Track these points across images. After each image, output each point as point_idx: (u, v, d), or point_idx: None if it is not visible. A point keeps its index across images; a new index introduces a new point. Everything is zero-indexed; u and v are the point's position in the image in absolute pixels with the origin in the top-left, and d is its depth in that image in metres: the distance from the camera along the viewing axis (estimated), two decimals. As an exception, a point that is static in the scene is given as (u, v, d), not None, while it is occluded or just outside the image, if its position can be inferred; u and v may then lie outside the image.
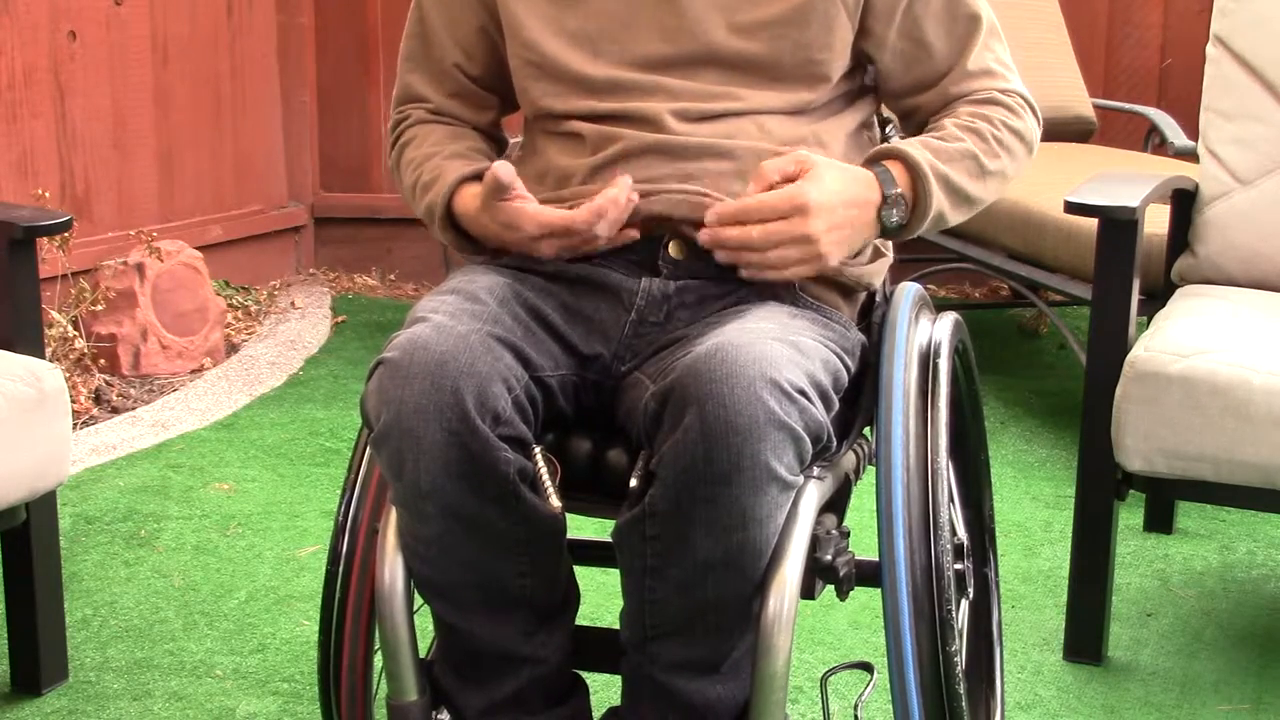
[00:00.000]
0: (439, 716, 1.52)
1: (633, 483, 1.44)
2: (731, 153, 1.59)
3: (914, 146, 1.58)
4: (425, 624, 1.54)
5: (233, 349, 3.91)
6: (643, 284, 1.59)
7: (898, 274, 1.77)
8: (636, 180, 1.58)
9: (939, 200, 1.57)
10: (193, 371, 3.70)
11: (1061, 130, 3.83)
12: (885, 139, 1.79)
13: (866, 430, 1.65)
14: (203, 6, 4.11)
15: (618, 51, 1.62)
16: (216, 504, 2.90)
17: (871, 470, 1.62)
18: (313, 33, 4.48)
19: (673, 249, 1.60)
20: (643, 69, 1.61)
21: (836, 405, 1.48)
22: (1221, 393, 2.09)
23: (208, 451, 3.18)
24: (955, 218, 1.61)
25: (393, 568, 1.49)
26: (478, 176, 1.62)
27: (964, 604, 1.74)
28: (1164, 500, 2.75)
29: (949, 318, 1.71)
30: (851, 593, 1.53)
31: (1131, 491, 2.26)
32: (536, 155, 1.69)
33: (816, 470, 1.46)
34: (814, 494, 1.44)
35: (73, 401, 3.27)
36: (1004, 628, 2.07)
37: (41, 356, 2.11)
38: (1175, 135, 3.68)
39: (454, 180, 1.63)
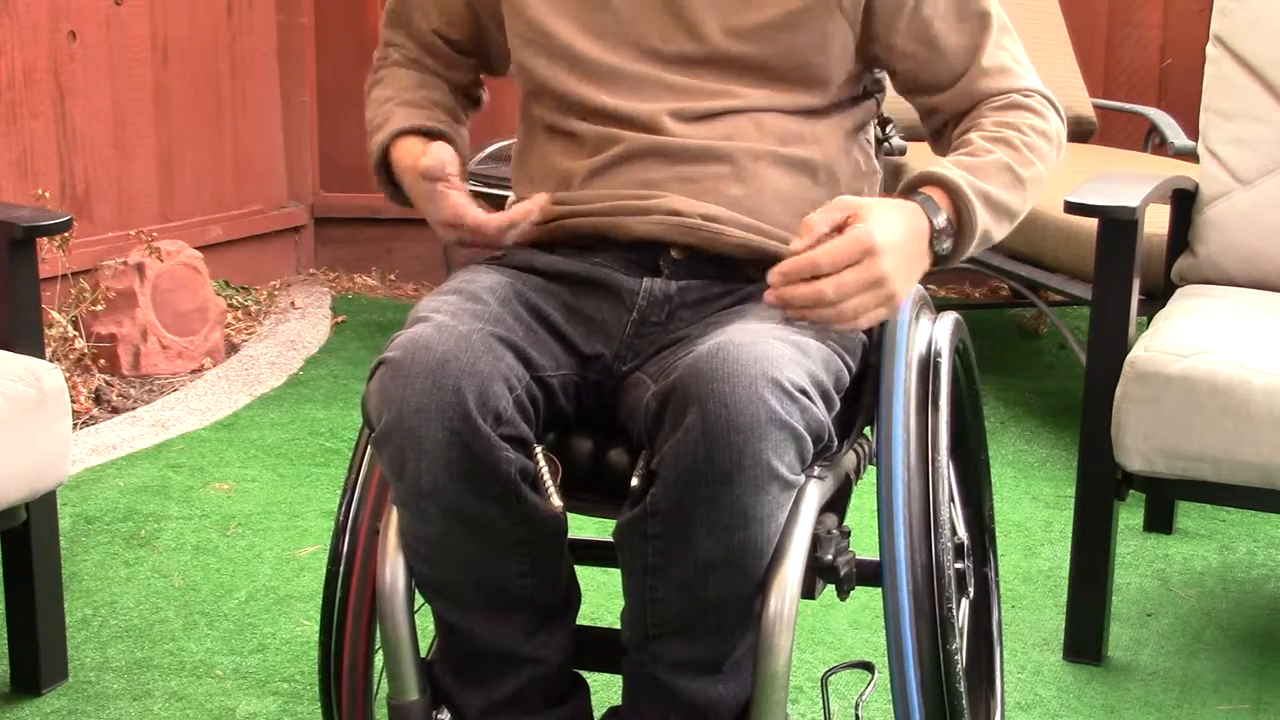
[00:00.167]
0: (439, 716, 1.52)
1: (634, 482, 1.44)
2: (730, 156, 1.59)
3: (948, 168, 1.54)
4: (426, 624, 1.54)
5: (233, 349, 3.91)
6: (644, 284, 1.59)
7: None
8: (636, 183, 1.58)
9: (983, 219, 1.53)
10: (193, 371, 3.70)
11: (1061, 130, 3.82)
12: (885, 138, 1.79)
13: (867, 430, 1.65)
14: (203, 6, 4.11)
15: (619, 40, 1.62)
16: (216, 504, 2.90)
17: (872, 470, 1.62)
18: (313, 33, 4.48)
19: (674, 250, 1.60)
20: (643, 61, 1.61)
21: (838, 405, 1.48)
22: (1221, 393, 2.09)
23: (208, 451, 3.18)
24: (999, 233, 1.57)
25: (393, 567, 1.49)
26: (423, 132, 1.68)
27: (964, 603, 1.74)
28: (1164, 500, 2.75)
29: (949, 317, 1.71)
30: (852, 592, 1.53)
31: (1131, 491, 2.26)
32: (535, 156, 1.69)
33: (817, 470, 1.46)
34: (815, 494, 1.44)
35: (73, 401, 3.27)
36: (1004, 628, 2.07)
37: (41, 356, 2.11)
38: (1175, 135, 3.68)
39: (392, 131, 1.69)
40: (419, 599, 1.52)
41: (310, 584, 2.55)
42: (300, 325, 4.11)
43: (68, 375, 3.37)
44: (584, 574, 1.62)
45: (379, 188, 1.75)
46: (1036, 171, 1.60)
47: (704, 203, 1.58)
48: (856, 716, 1.64)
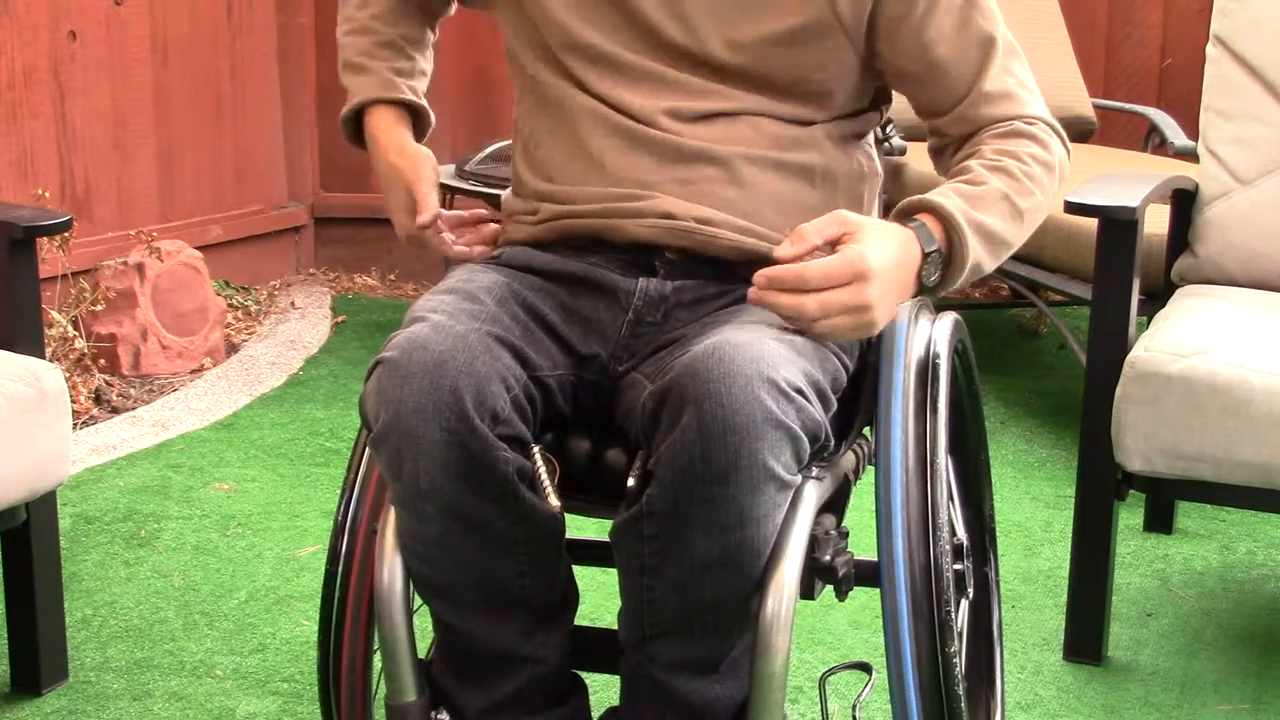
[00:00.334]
0: (438, 716, 1.52)
1: (630, 482, 1.44)
2: (726, 159, 1.58)
3: (945, 196, 1.51)
4: (425, 624, 1.54)
5: (233, 349, 3.91)
6: (640, 284, 1.59)
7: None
8: (631, 182, 1.58)
9: (975, 251, 1.50)
10: (193, 371, 3.70)
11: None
12: (885, 138, 1.79)
13: (866, 430, 1.65)
14: (203, 6, 4.11)
15: (620, 33, 1.60)
16: (216, 504, 2.90)
17: (871, 470, 1.61)
18: (313, 33, 4.48)
19: (669, 251, 1.60)
20: (642, 55, 1.60)
21: (835, 405, 1.48)
22: (1221, 393, 2.09)
23: (208, 451, 3.18)
24: (991, 265, 1.55)
25: (391, 568, 1.49)
26: (399, 103, 1.78)
27: (964, 604, 1.74)
28: (1164, 500, 2.75)
29: (949, 317, 1.71)
30: (851, 593, 1.53)
31: (1131, 491, 2.26)
32: (534, 145, 1.68)
33: (815, 471, 1.46)
34: (812, 495, 1.44)
35: (73, 401, 3.27)
36: (1004, 628, 2.07)
37: (41, 356, 2.11)
38: (1175, 135, 3.68)
39: (369, 99, 1.78)
40: (417, 600, 1.52)
41: (310, 584, 2.55)
42: (300, 325, 4.11)
43: (68, 375, 3.37)
44: (582, 574, 1.62)
45: (341, 131, 1.83)
46: (1035, 202, 1.57)
47: (698, 205, 1.58)
48: (854, 718, 1.64)
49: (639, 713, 1.48)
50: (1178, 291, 2.54)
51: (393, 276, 4.61)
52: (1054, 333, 4.09)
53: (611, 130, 1.60)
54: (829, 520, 1.50)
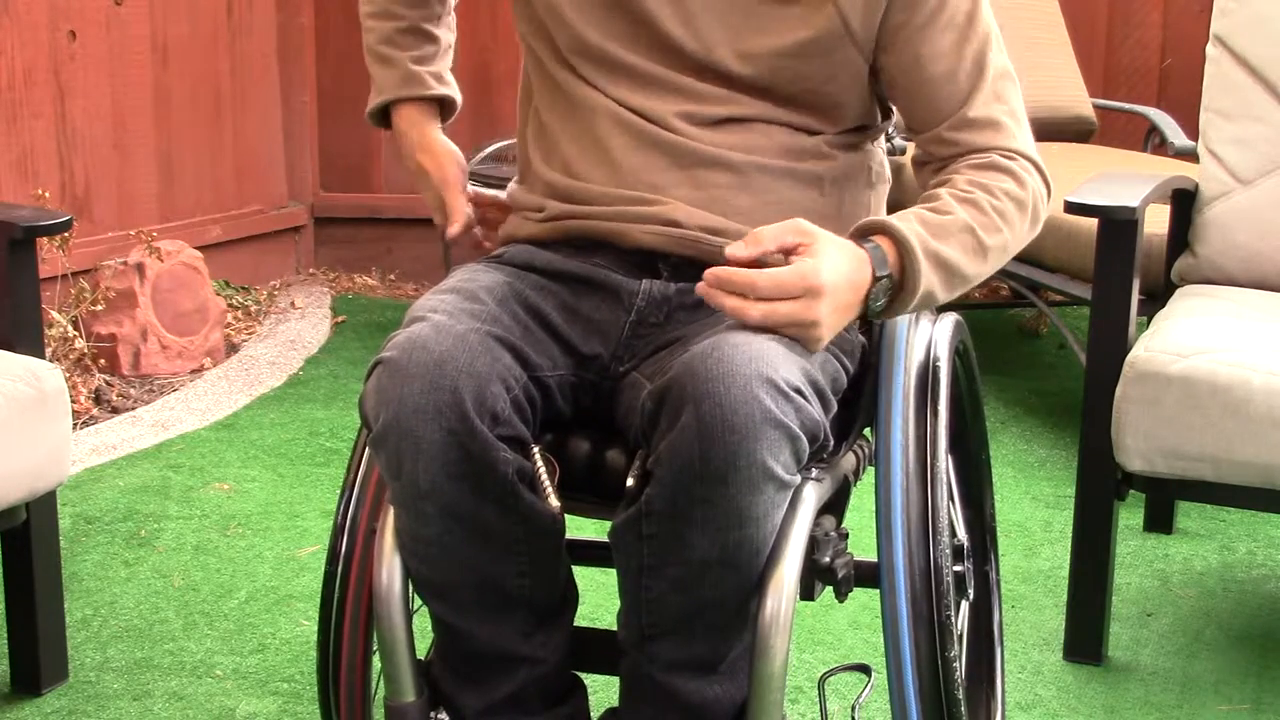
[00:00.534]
0: (437, 717, 1.52)
1: (629, 482, 1.44)
2: (739, 166, 1.58)
3: (906, 221, 1.48)
4: (424, 624, 1.54)
5: (233, 349, 3.91)
6: (643, 285, 1.59)
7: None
8: (643, 185, 1.57)
9: (928, 280, 1.47)
10: (193, 371, 3.70)
11: (1061, 130, 3.83)
12: (888, 138, 1.78)
13: (866, 431, 1.65)
14: (203, 6, 4.11)
15: (635, 41, 1.60)
16: (216, 504, 2.90)
17: (871, 471, 1.61)
18: (313, 33, 4.48)
19: (673, 256, 1.60)
20: (655, 63, 1.59)
21: (835, 406, 1.47)
22: (1221, 393, 2.09)
23: (208, 451, 3.18)
24: (945, 296, 1.51)
25: (390, 568, 1.49)
26: (428, 99, 1.81)
27: (964, 605, 1.74)
28: (1164, 500, 2.75)
29: (949, 318, 1.70)
30: (851, 593, 1.53)
31: (1131, 491, 2.26)
32: (548, 134, 1.68)
33: (815, 472, 1.45)
34: (812, 496, 1.44)
35: (73, 401, 3.27)
36: (1004, 628, 2.07)
37: (41, 356, 2.11)
38: (1175, 135, 3.68)
39: (396, 97, 1.81)
40: (417, 600, 1.52)
41: (310, 584, 2.55)
42: (300, 325, 4.11)
43: (68, 375, 3.37)
44: (582, 574, 1.62)
45: (369, 119, 1.86)
46: (1002, 239, 1.54)
47: (707, 213, 1.57)
48: (854, 719, 1.64)
49: (638, 713, 1.48)
50: (1178, 291, 2.54)
51: (393, 276, 4.61)
52: (1054, 333, 4.09)
53: (624, 129, 1.59)
54: (829, 521, 1.50)
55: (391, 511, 1.48)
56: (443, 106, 1.84)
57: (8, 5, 3.52)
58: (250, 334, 4.05)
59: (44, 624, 2.15)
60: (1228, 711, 2.18)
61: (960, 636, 1.66)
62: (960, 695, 1.54)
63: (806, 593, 1.48)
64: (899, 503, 1.54)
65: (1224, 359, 2.11)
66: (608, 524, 1.45)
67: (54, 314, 3.47)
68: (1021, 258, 3.34)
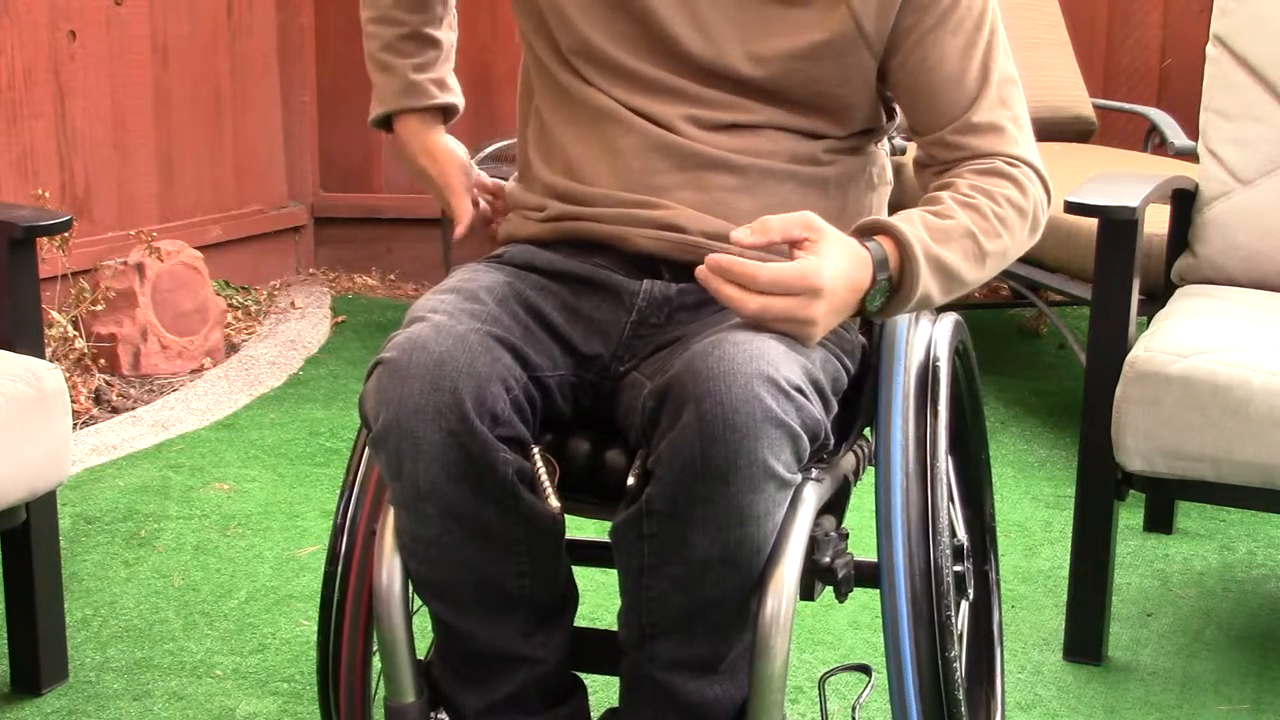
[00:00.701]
0: (437, 717, 1.52)
1: (630, 481, 1.44)
2: (745, 170, 1.58)
3: (909, 223, 1.48)
4: (424, 625, 1.54)
5: (233, 349, 3.91)
6: (644, 286, 1.59)
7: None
8: (646, 187, 1.57)
9: (926, 284, 1.47)
10: (193, 371, 3.70)
11: (1061, 130, 3.83)
12: (889, 138, 1.78)
13: (866, 431, 1.65)
14: (203, 6, 4.11)
15: (641, 45, 1.59)
16: (216, 504, 2.90)
17: (871, 471, 1.61)
18: (313, 33, 4.48)
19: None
20: (662, 68, 1.59)
21: (835, 406, 1.47)
22: (1221, 393, 2.09)
23: (208, 451, 3.18)
24: (942, 299, 1.52)
25: (390, 568, 1.49)
26: (430, 109, 1.80)
27: (964, 605, 1.74)
28: (1164, 500, 2.75)
29: (949, 318, 1.70)
30: (851, 593, 1.53)
31: (1131, 491, 2.26)
32: (549, 134, 1.67)
33: (815, 472, 1.45)
34: (812, 496, 1.44)
35: (73, 401, 3.27)
36: (1004, 628, 2.07)
37: (41, 356, 2.11)
38: (1175, 135, 3.68)
39: (399, 108, 1.80)
40: (417, 600, 1.52)
41: (310, 584, 2.55)
42: (300, 325, 4.11)
43: (68, 375, 3.37)
44: (583, 574, 1.62)
45: (371, 125, 1.85)
46: (1001, 245, 1.54)
47: (710, 217, 1.57)
48: (854, 719, 1.64)
49: (638, 713, 1.48)
50: (1178, 291, 2.54)
51: (393, 276, 4.61)
52: (1054, 333, 4.09)
53: (629, 130, 1.59)
54: (829, 521, 1.50)
55: (391, 512, 1.48)
56: (445, 113, 1.83)
57: (8, 5, 3.52)
58: (250, 334, 4.05)
59: (44, 624, 2.15)
60: (1228, 711, 2.18)
61: (960, 636, 1.66)
62: (960, 695, 1.54)
63: (807, 593, 1.48)
64: (899, 503, 1.54)
65: (1224, 359, 2.11)
66: (608, 524, 1.45)
67: (54, 314, 3.47)
68: (1022, 258, 3.30)
